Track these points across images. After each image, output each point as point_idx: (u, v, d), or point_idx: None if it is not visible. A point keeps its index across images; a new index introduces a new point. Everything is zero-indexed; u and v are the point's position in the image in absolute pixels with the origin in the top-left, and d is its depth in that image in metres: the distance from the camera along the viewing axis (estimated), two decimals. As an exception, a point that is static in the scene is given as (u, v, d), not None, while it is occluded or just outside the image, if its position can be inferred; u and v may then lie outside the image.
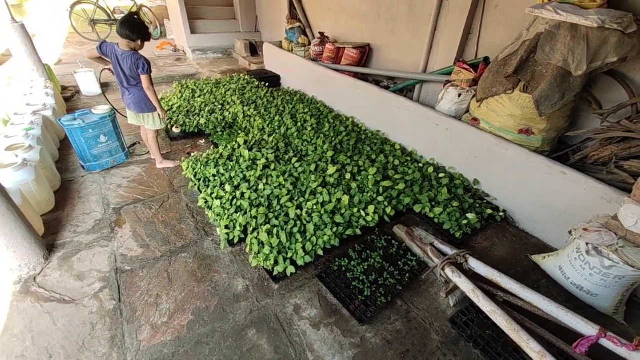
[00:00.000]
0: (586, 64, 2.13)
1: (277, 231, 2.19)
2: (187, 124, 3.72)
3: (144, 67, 2.50)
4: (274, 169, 2.85)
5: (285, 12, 5.69)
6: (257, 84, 5.01)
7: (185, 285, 1.98)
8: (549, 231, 2.37)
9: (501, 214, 2.52)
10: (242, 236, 2.25)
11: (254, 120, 3.77)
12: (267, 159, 2.97)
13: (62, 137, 3.53)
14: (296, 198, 2.52)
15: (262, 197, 2.52)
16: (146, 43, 2.60)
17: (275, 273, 1.99)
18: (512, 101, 2.41)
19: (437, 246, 2.13)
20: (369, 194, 2.55)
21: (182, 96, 4.44)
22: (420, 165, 3.01)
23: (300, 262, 2.01)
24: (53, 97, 3.65)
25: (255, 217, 2.32)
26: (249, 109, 4.03)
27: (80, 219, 2.48)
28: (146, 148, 3.32)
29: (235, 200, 2.46)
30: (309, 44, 5.18)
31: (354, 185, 2.63)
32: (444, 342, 1.72)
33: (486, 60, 2.92)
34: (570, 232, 2.04)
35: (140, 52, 2.59)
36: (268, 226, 2.20)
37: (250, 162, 2.92)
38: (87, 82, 4.75)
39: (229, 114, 3.94)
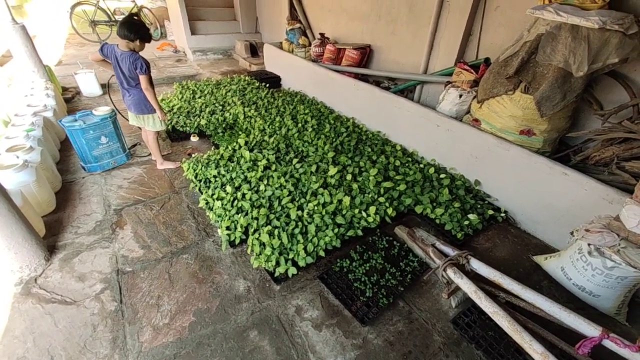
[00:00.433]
0: (587, 65, 2.13)
1: (279, 232, 2.19)
2: (188, 125, 3.72)
3: (142, 68, 2.49)
4: (275, 170, 2.85)
5: (286, 13, 5.70)
6: (257, 84, 5.01)
7: (186, 286, 1.98)
8: (551, 232, 2.37)
9: (502, 214, 2.52)
10: (243, 237, 2.25)
11: (255, 121, 3.77)
12: (268, 160, 2.97)
13: (63, 138, 3.53)
14: (297, 199, 2.52)
15: (263, 198, 2.51)
16: (147, 44, 2.59)
17: (276, 274, 1.99)
18: (513, 102, 2.41)
19: (439, 247, 2.12)
20: (370, 195, 2.55)
21: (182, 97, 4.45)
22: (421, 166, 3.01)
23: (301, 263, 2.01)
24: (54, 98, 3.65)
25: (257, 218, 2.32)
26: (249, 110, 4.03)
27: (81, 220, 2.48)
28: (147, 149, 3.32)
29: (236, 201, 2.46)
30: (310, 44, 5.18)
31: (355, 186, 2.63)
32: (446, 344, 1.72)
33: (487, 61, 2.92)
34: (572, 233, 2.04)
35: (141, 53, 2.59)
36: (269, 227, 2.19)
37: (251, 163, 2.92)
38: (88, 83, 4.75)
39: (230, 115, 3.94)
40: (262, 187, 2.59)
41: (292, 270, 1.96)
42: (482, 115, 2.66)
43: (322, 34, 4.87)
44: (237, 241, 2.23)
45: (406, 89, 3.93)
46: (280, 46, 5.63)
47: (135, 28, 2.41)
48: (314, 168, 2.86)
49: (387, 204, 2.50)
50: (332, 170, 2.76)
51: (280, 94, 4.76)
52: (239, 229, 2.24)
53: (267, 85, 5.07)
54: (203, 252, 2.23)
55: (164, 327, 1.75)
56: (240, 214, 2.35)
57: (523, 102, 2.36)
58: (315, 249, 2.10)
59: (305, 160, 3.07)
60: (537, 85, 2.31)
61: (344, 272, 2.04)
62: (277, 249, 2.07)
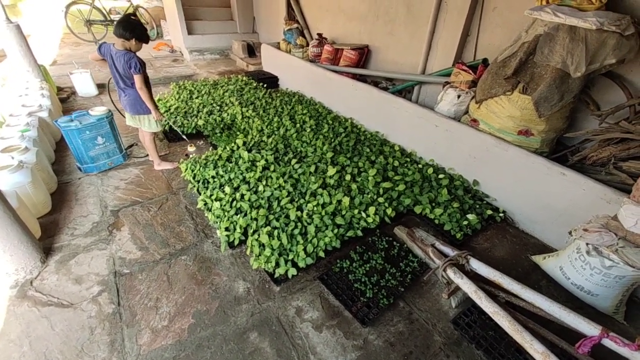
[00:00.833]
0: (585, 66, 2.14)
1: (278, 233, 2.18)
2: (185, 125, 3.69)
3: (135, 67, 2.46)
4: (274, 171, 2.84)
5: (283, 13, 5.69)
6: (255, 85, 4.99)
7: (185, 288, 1.96)
8: (549, 232, 2.38)
9: (501, 214, 2.53)
10: (243, 238, 2.24)
11: (253, 122, 3.75)
12: (266, 160, 2.96)
13: (58, 139, 3.49)
14: (296, 199, 2.51)
15: (262, 198, 2.50)
16: (143, 45, 2.56)
17: (276, 275, 1.98)
18: (511, 102, 2.42)
19: (438, 247, 2.13)
20: (369, 195, 2.55)
21: (179, 97, 4.41)
22: (420, 166, 3.02)
23: (301, 264, 2.00)
24: (49, 98, 3.61)
25: (256, 219, 2.31)
26: (247, 110, 4.01)
27: (78, 221, 2.45)
28: (144, 150, 3.29)
29: (235, 202, 2.45)
30: (307, 45, 5.17)
31: (354, 186, 2.62)
32: (447, 344, 1.72)
33: (485, 62, 2.93)
34: (570, 233, 2.05)
35: (137, 52, 2.56)
36: (268, 228, 2.18)
37: (250, 163, 2.91)
38: (83, 83, 4.70)
39: (228, 115, 3.92)
40: (260, 188, 2.58)
41: (292, 271, 1.95)
42: (480, 115, 2.67)
43: (319, 34, 4.87)
44: (236, 242, 2.21)
45: (404, 90, 3.94)
46: (277, 46, 5.62)
47: (131, 27, 2.39)
48: (312, 168, 2.85)
49: (386, 204, 2.49)
50: (331, 171, 2.76)
51: (278, 94, 4.75)
52: (238, 229, 2.23)
53: (265, 85, 5.06)
54: (202, 254, 2.21)
55: (163, 330, 1.73)
56: (239, 215, 2.34)
57: (521, 102, 2.38)
58: (315, 250, 2.09)
59: (304, 161, 3.06)
60: (535, 86, 2.32)
61: (344, 272, 2.04)
62: (277, 249, 2.06)
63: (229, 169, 2.85)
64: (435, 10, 3.29)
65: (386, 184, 2.64)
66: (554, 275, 2.10)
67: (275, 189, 2.59)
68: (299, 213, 2.34)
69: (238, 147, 3.18)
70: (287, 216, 2.35)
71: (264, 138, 3.38)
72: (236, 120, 3.86)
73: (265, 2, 6.57)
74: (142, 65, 2.52)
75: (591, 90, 2.49)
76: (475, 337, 1.71)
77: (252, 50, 6.84)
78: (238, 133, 3.60)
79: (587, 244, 1.88)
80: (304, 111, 4.06)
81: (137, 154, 3.36)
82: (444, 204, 2.53)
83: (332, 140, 3.42)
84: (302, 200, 2.48)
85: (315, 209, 2.38)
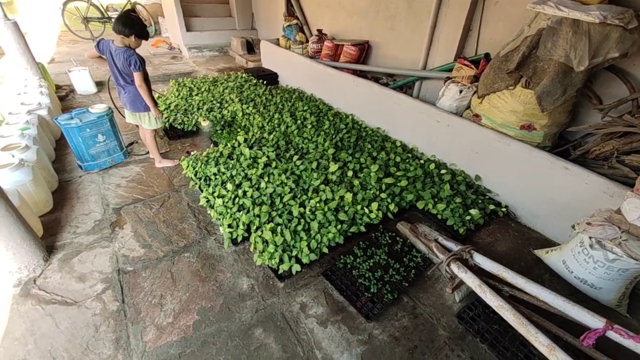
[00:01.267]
0: (588, 60, 2.14)
1: (281, 229, 2.17)
2: (186, 122, 3.68)
3: (135, 64, 2.44)
4: (276, 167, 2.83)
5: (282, 9, 5.65)
6: (255, 81, 4.97)
7: (189, 285, 1.96)
8: (551, 226, 2.39)
9: (503, 209, 2.53)
10: (246, 235, 2.23)
11: (253, 119, 3.74)
12: (268, 157, 2.95)
13: (58, 137, 3.47)
14: (299, 196, 2.50)
15: (264, 195, 2.50)
16: (143, 41, 2.54)
17: (280, 271, 1.98)
18: (514, 97, 2.42)
19: (442, 242, 2.13)
20: (371, 191, 2.54)
21: (179, 94, 4.39)
22: (422, 161, 3.01)
23: (305, 260, 2.00)
24: (48, 96, 3.59)
25: (258, 216, 2.30)
26: (247, 107, 3.99)
27: (80, 219, 2.44)
28: (145, 147, 3.28)
29: (237, 199, 2.44)
30: (307, 41, 5.14)
31: (356, 182, 2.62)
32: (451, 338, 1.73)
33: (487, 57, 2.92)
34: (573, 227, 2.05)
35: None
36: (271, 224, 2.18)
37: (251, 160, 2.90)
38: (82, 81, 4.67)
39: (228, 112, 3.90)
40: (263, 185, 2.58)
41: (296, 267, 1.95)
42: (482, 110, 2.66)
43: (319, 30, 4.84)
44: (240, 239, 2.21)
45: (405, 85, 3.93)
46: (277, 43, 5.59)
47: (130, 23, 2.36)
48: (314, 165, 2.84)
49: (389, 200, 2.49)
50: (333, 167, 2.75)
51: (278, 91, 4.73)
52: (241, 226, 2.23)
53: (265, 82, 5.04)
54: (205, 251, 2.21)
55: (168, 327, 1.73)
56: (241, 212, 2.33)
57: (524, 97, 2.37)
58: (319, 246, 2.09)
59: (305, 157, 3.05)
60: (538, 80, 2.32)
61: (347, 268, 2.04)
62: (280, 246, 2.06)
63: (230, 166, 2.84)
64: (437, 5, 3.27)
65: (388, 180, 2.64)
66: (557, 269, 2.11)
67: (277, 185, 2.59)
68: (301, 209, 2.34)
69: (239, 144, 3.17)
70: (290, 212, 2.34)
71: (265, 135, 3.37)
72: (237, 117, 3.84)
73: (264, -2, 6.54)
74: (142, 63, 2.50)
75: (593, 84, 2.48)
76: (479, 330, 1.71)
77: (251, 47, 6.80)
78: (239, 130, 3.59)
79: (590, 237, 1.89)
80: (305, 108, 4.05)
81: (138, 151, 3.34)
82: (447, 199, 2.53)
83: (334, 136, 3.41)
84: (304, 197, 2.47)
85: (317, 205, 2.37)
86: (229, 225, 2.25)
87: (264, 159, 2.88)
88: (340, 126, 3.63)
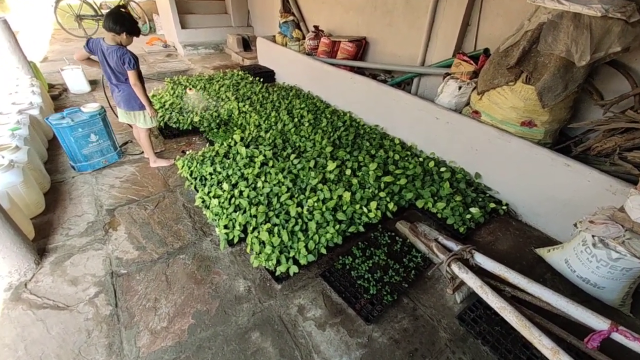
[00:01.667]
0: (589, 54, 2.09)
1: (278, 230, 2.13)
2: (181, 121, 3.62)
3: (129, 62, 2.38)
4: (272, 166, 2.78)
5: (278, 5, 5.57)
6: (251, 79, 4.91)
7: (184, 287, 1.92)
8: (552, 224, 2.35)
9: (504, 207, 2.50)
10: (242, 236, 2.19)
11: (250, 117, 3.68)
12: (264, 155, 2.90)
13: (51, 137, 3.41)
14: (296, 195, 2.46)
15: (261, 195, 2.45)
16: (134, 38, 2.48)
17: (277, 273, 1.94)
18: (514, 93, 2.37)
19: (442, 242, 2.09)
20: (370, 190, 2.50)
21: (174, 93, 4.32)
22: (421, 159, 2.97)
23: (303, 261, 1.96)
24: (40, 96, 3.51)
25: (255, 216, 2.26)
26: (244, 105, 3.94)
27: (72, 221, 2.38)
28: (139, 147, 3.22)
29: (233, 199, 2.39)
30: (304, 38, 5.08)
31: (354, 181, 2.58)
32: (452, 340, 1.69)
33: (486, 52, 2.87)
34: (575, 225, 2.01)
35: (129, 47, 2.48)
36: (269, 225, 2.13)
37: (248, 159, 2.85)
38: (75, 80, 4.59)
39: (224, 110, 3.85)
40: (259, 184, 2.53)
41: (294, 269, 1.91)
42: (482, 107, 2.62)
43: (316, 27, 4.77)
44: (236, 240, 2.16)
45: (403, 82, 3.88)
46: (273, 40, 5.52)
47: (121, 20, 2.30)
48: (312, 163, 2.80)
49: (387, 199, 2.45)
50: (331, 166, 2.70)
51: (274, 89, 4.67)
52: (237, 227, 2.18)
53: (261, 79, 4.97)
54: (201, 252, 2.16)
55: (162, 331, 1.68)
56: (238, 212, 2.29)
57: (524, 92, 2.33)
58: (317, 246, 2.05)
59: (302, 156, 3.00)
60: (539, 76, 2.27)
61: (346, 269, 2.00)
62: (278, 247, 2.01)
63: (226, 165, 2.79)
64: (435, 0, 3.21)
65: (387, 178, 2.60)
66: (559, 268, 2.08)
67: (274, 185, 2.54)
68: (299, 209, 2.29)
69: (235, 143, 3.12)
70: (287, 212, 2.30)
71: (262, 133, 3.31)
72: (233, 115, 3.78)
73: (260, -5, 6.45)
74: (135, 61, 2.44)
75: (595, 79, 2.44)
76: (481, 332, 1.68)
77: (247, 44, 6.72)
78: (235, 129, 3.53)
79: (593, 236, 1.85)
80: (302, 105, 3.99)
81: (132, 151, 3.28)
82: (446, 198, 2.49)
83: (331, 134, 3.36)
84: (302, 196, 2.43)
85: (315, 204, 2.33)
86: (225, 226, 2.21)
87: (261, 157, 2.83)
88: (338, 124, 3.58)
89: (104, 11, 7.95)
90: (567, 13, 2.15)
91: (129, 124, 2.95)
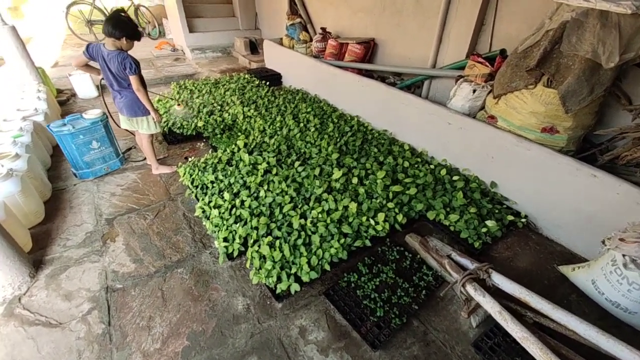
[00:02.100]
0: (618, 55, 1.92)
1: (280, 243, 2.02)
2: (185, 126, 3.56)
3: (131, 67, 2.32)
4: (276, 174, 2.68)
5: (286, 7, 5.49)
6: (257, 83, 4.83)
7: (180, 305, 1.82)
8: (577, 238, 2.17)
9: (523, 220, 2.32)
10: (242, 249, 2.08)
11: (255, 122, 3.60)
12: (268, 163, 2.80)
13: (55, 143, 3.38)
14: (300, 206, 2.34)
15: (263, 205, 2.35)
16: (144, 42, 2.42)
17: (278, 291, 1.82)
18: (535, 97, 2.20)
19: (455, 258, 1.94)
20: (378, 200, 2.37)
21: (180, 97, 4.28)
22: (432, 167, 2.82)
23: (305, 279, 1.84)
24: (45, 101, 3.51)
25: (256, 228, 2.15)
26: (249, 110, 3.85)
27: (71, 231, 2.33)
28: (142, 153, 3.17)
29: (234, 209, 2.30)
30: (311, 40, 4.98)
31: (361, 190, 2.45)
32: (467, 370, 1.55)
33: (503, 53, 2.70)
34: (603, 242, 1.84)
35: (139, 52, 2.41)
36: (270, 238, 2.02)
37: (251, 166, 2.75)
38: (83, 85, 4.60)
39: (229, 115, 3.77)
40: (262, 193, 2.42)
41: (295, 287, 1.79)
42: (498, 111, 2.45)
43: (323, 29, 4.67)
44: (236, 253, 2.06)
45: (413, 85, 3.73)
46: (280, 42, 5.44)
47: (121, 25, 2.24)
48: (317, 171, 2.68)
49: (396, 210, 2.31)
50: (337, 174, 2.58)
51: (281, 92, 4.58)
52: (237, 240, 2.08)
53: (268, 83, 4.89)
54: (199, 266, 2.07)
55: (155, 353, 1.59)
56: (238, 224, 2.19)
57: (545, 96, 2.16)
58: (320, 262, 1.92)
59: (307, 163, 2.89)
60: (562, 78, 2.10)
61: (351, 287, 1.87)
62: (279, 262, 1.90)
63: (229, 172, 2.70)
64: (447, -1, 3.06)
65: (396, 188, 2.45)
66: (585, 289, 1.90)
67: (277, 194, 2.43)
68: (302, 221, 2.18)
69: (239, 149, 3.03)
70: (290, 224, 2.19)
71: (266, 139, 3.22)
72: (237, 120, 3.70)
73: (268, -3, 6.39)
74: (137, 65, 2.37)
75: (622, 82, 2.25)
76: (499, 362, 1.53)
77: (254, 47, 6.67)
78: (239, 134, 3.44)
79: (624, 255, 1.68)
80: (308, 109, 3.89)
81: (135, 157, 3.23)
82: (460, 209, 2.34)
83: (338, 140, 3.24)
84: (305, 207, 2.31)
85: (320, 216, 2.21)
86: (225, 239, 2.11)
87: (264, 165, 2.73)
88: (345, 129, 3.45)
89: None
90: (593, 11, 1.98)
91: (130, 132, 2.89)
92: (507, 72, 2.36)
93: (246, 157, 2.81)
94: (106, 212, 2.50)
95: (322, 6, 5.00)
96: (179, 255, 2.14)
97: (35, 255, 2.11)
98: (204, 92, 4.46)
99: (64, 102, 4.50)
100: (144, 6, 8.15)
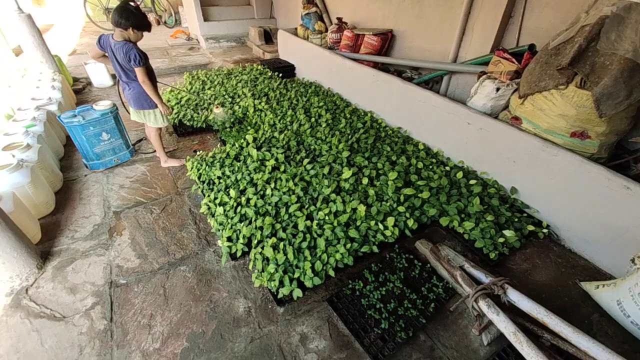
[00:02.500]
0: (665, 54, 1.72)
1: (284, 245, 1.96)
2: (195, 118, 3.52)
3: (135, 59, 2.26)
4: (284, 171, 2.61)
5: (302, -4, 5.32)
6: (270, 74, 4.74)
7: (182, 304, 1.80)
8: (603, 253, 2.01)
9: (544, 230, 2.17)
10: (246, 249, 2.03)
11: (265, 115, 3.52)
12: (276, 159, 2.73)
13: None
14: (306, 206, 2.27)
15: (269, 204, 2.28)
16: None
17: (279, 296, 1.77)
18: (565, 98, 2.02)
19: (468, 270, 1.83)
20: (388, 203, 2.26)
21: (191, 88, 4.24)
22: (447, 169, 2.67)
23: (308, 284, 1.77)
24: (60, 91, 3.53)
25: (261, 228, 2.10)
26: (260, 103, 3.77)
27: (79, 222, 2.34)
28: (152, 145, 3.15)
29: (239, 208, 2.25)
30: (326, 30, 4.82)
31: (371, 192, 2.34)
32: (476, 392, 1.46)
33: (532, 49, 2.50)
34: (633, 261, 1.69)
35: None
36: (274, 239, 1.96)
37: (259, 162, 2.69)
38: (98, 74, 4.64)
39: (239, 107, 3.71)
40: (268, 191, 2.36)
41: (298, 293, 1.73)
42: (524, 112, 2.28)
43: (339, 19, 4.49)
44: (239, 254, 2.02)
45: (431, 80, 3.55)
46: (295, 32, 5.30)
47: (127, 14, 2.18)
48: (326, 170, 2.59)
49: (407, 214, 2.20)
50: (347, 173, 2.48)
51: (293, 85, 4.47)
52: (241, 240, 2.03)
53: (280, 74, 4.79)
54: (202, 264, 2.04)
55: (154, 353, 1.57)
56: (243, 223, 2.14)
57: (578, 98, 1.97)
58: (325, 268, 1.85)
59: (317, 161, 2.80)
60: (597, 79, 1.91)
61: (356, 295, 1.79)
62: (282, 265, 1.84)
63: (236, 168, 2.64)
64: (472, -12, 2.85)
65: (408, 191, 2.34)
66: (609, 309, 1.76)
67: (284, 193, 2.37)
68: (308, 222, 2.10)
69: (247, 144, 2.97)
70: (295, 226, 2.12)
71: (276, 134, 3.14)
72: (248, 113, 3.64)
73: (284, -15, 6.22)
74: (142, 57, 2.32)
75: (666, 83, 2.03)
76: (511, 386, 1.43)
77: (269, 37, 6.55)
78: (249, 128, 3.38)
79: (658, 277, 1.53)
80: (320, 104, 3.77)
81: (146, 149, 3.23)
82: (476, 216, 2.21)
83: (349, 137, 3.13)
84: (312, 208, 2.23)
85: (327, 217, 2.13)
86: (229, 238, 2.06)
87: (272, 161, 2.65)
88: (358, 125, 3.33)
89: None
90: (637, 5, 1.77)
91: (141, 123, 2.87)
92: (535, 70, 2.17)
93: (254, 152, 2.74)
94: (114, 205, 2.51)
95: (339, -5, 4.82)
96: (183, 253, 2.12)
97: (44, 246, 2.14)
98: (215, 83, 4.41)
99: (80, 90, 4.55)
100: (160, -6, 8.13)
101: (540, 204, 2.27)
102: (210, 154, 2.87)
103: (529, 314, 1.54)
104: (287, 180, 2.48)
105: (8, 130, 2.60)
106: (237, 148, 2.93)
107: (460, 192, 2.42)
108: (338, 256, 1.88)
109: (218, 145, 3.13)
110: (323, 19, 5.09)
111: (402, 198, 2.32)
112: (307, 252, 1.91)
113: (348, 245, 1.95)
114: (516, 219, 2.21)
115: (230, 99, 3.95)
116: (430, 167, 2.70)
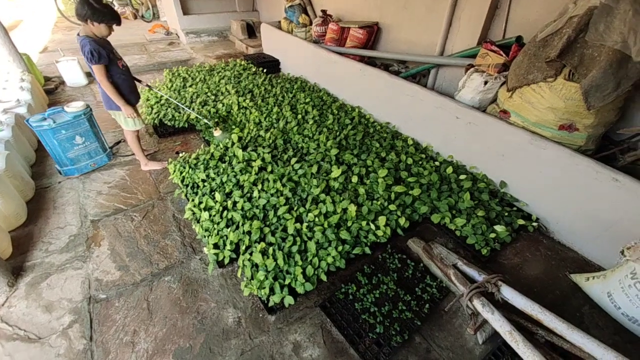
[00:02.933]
0: (652, 45, 1.70)
1: (273, 250, 1.88)
2: (177, 118, 3.38)
3: (87, 56, 2.09)
4: (271, 172, 2.52)
5: (284, -12, 5.16)
6: (254, 70, 4.59)
7: (167, 318, 1.71)
8: (592, 245, 2.03)
9: (534, 223, 2.17)
10: (234, 256, 1.95)
11: (250, 113, 3.40)
12: (263, 159, 2.64)
13: (41, 136, 3.22)
14: (295, 208, 2.19)
15: (256, 207, 2.20)
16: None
17: (270, 304, 1.70)
18: (554, 91, 2.00)
19: (462, 268, 1.81)
20: (379, 202, 2.21)
21: (172, 86, 4.07)
22: (437, 164, 2.64)
23: (300, 290, 1.71)
24: (29, 92, 3.32)
25: (249, 233, 2.02)
26: (244, 100, 3.65)
27: (54, 234, 2.21)
28: (131, 147, 3.00)
29: (226, 212, 2.15)
30: (310, 23, 4.69)
31: (361, 190, 2.29)
32: (473, 393, 1.44)
33: (519, 41, 2.47)
34: (622, 252, 1.70)
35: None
36: (263, 244, 1.89)
37: (245, 163, 2.59)
38: (71, 72, 4.40)
39: (223, 105, 3.57)
40: (255, 194, 2.27)
41: (289, 300, 1.67)
42: (512, 106, 2.25)
43: (324, 11, 4.37)
44: (227, 261, 1.93)
45: (419, 74, 3.50)
46: (279, 26, 5.14)
47: (82, 4, 1.98)
48: (314, 169, 2.51)
49: (398, 213, 2.16)
50: (336, 172, 2.42)
51: (279, 80, 4.34)
52: (228, 246, 1.95)
53: (265, 70, 4.65)
54: (188, 274, 1.95)
55: (139, 373, 1.49)
56: (230, 228, 2.05)
57: (566, 91, 1.96)
58: (316, 272, 1.79)
59: (305, 159, 2.72)
60: (585, 71, 1.89)
61: (349, 299, 1.75)
62: (272, 272, 1.77)
63: (221, 170, 2.54)
64: (458, -21, 2.80)
65: (399, 188, 2.29)
66: (599, 301, 1.77)
67: (272, 194, 2.28)
68: (298, 225, 2.03)
69: (232, 144, 2.86)
70: (285, 229, 2.05)
71: (262, 132, 3.04)
72: (232, 111, 3.51)
73: (265, -24, 6.02)
74: (98, 54, 2.11)
75: (652, 74, 2.04)
76: (508, 386, 1.42)
77: (252, 31, 6.36)
78: (234, 126, 3.26)
79: (647, 269, 1.53)
80: (307, 100, 3.68)
81: (124, 152, 3.08)
82: (467, 212, 2.18)
83: (337, 133, 3.05)
84: (302, 209, 2.16)
85: (317, 219, 2.07)
86: (215, 245, 1.98)
87: (259, 162, 2.56)
88: (346, 121, 3.26)
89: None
90: (626, -7, 1.75)
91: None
92: (523, 63, 2.14)
93: (240, 152, 2.64)
94: (91, 213, 2.37)
95: (322, -14, 4.69)
96: (167, 262, 2.02)
97: (15, 261, 2.00)
98: (197, 80, 4.24)
99: (52, 90, 4.30)
100: (136, -14, 7.77)
101: (530, 197, 2.27)
102: (194, 155, 2.75)
103: (523, 310, 1.53)
104: (274, 181, 2.39)
105: (-29, 136, 2.42)
106: (221, 148, 2.81)
107: (451, 187, 2.39)
108: (330, 259, 1.83)
109: (202, 146, 3.01)
110: (307, 11, 4.95)
111: (393, 196, 2.27)
112: (297, 257, 1.84)
113: (340, 248, 1.90)
114: (506, 214, 2.20)
115: (213, 97, 3.80)
116: (420, 162, 2.66)
